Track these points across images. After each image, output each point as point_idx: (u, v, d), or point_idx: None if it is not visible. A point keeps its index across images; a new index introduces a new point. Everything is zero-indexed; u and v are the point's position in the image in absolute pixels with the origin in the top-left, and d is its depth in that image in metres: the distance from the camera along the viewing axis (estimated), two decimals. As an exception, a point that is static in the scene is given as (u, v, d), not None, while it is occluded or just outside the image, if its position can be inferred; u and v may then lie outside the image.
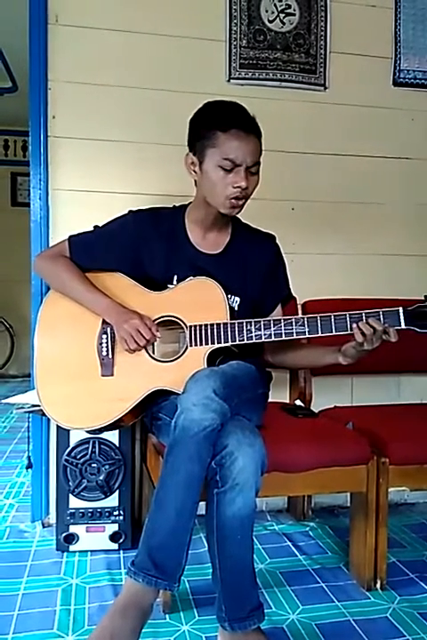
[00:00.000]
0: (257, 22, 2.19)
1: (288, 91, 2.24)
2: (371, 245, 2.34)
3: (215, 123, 1.50)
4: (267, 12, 2.20)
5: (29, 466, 2.11)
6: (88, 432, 1.86)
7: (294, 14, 2.22)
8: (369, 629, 1.52)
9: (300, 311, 2.15)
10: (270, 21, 2.20)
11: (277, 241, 1.75)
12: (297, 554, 1.93)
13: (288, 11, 2.21)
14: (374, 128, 2.32)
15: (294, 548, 1.97)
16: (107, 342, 1.59)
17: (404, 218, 2.37)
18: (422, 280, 2.37)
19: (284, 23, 2.21)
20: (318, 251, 2.29)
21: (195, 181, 1.61)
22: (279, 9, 2.21)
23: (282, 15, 2.21)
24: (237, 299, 1.64)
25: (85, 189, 2.10)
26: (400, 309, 1.47)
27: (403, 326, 1.47)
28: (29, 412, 1.92)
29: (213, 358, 1.53)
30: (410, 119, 2.35)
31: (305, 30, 2.23)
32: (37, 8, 2.02)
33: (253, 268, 1.68)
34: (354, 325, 1.46)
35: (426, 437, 1.78)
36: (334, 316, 1.49)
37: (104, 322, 1.59)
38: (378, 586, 1.71)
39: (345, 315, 1.48)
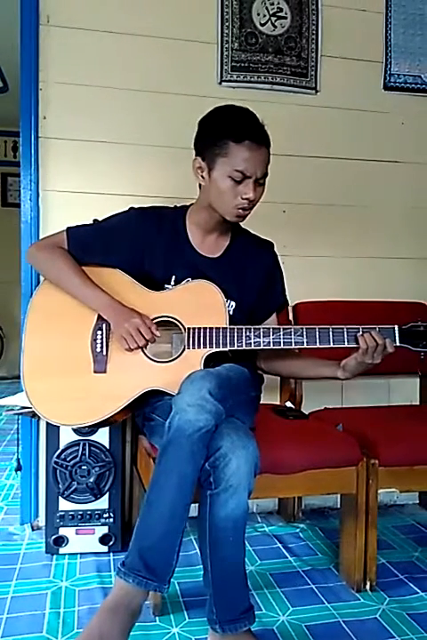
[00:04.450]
0: (249, 25, 2.20)
1: (279, 94, 2.25)
2: (361, 248, 2.35)
3: (228, 132, 1.49)
4: (259, 15, 2.21)
5: (19, 468, 2.09)
6: (76, 432, 1.85)
7: (285, 18, 2.23)
8: (359, 630, 1.52)
9: (291, 313, 2.16)
10: (262, 24, 2.21)
11: (276, 249, 1.75)
12: (287, 555, 1.94)
13: (280, 14, 2.22)
14: (364, 132, 2.34)
15: (284, 550, 1.98)
16: (101, 338, 1.57)
17: (394, 221, 2.39)
18: (412, 283, 2.39)
19: (275, 26, 2.22)
20: (309, 253, 2.29)
21: (199, 185, 1.61)
22: (271, 12, 2.22)
23: (274, 18, 2.22)
24: (233, 304, 1.64)
25: (76, 190, 2.09)
26: (396, 328, 1.52)
27: (398, 343, 1.51)
28: (19, 413, 1.91)
29: (207, 362, 1.53)
30: (400, 123, 2.37)
31: (297, 34, 2.24)
32: (29, 9, 2.02)
33: (250, 275, 1.68)
34: (359, 336, 1.49)
35: (415, 439, 1.79)
36: (333, 328, 1.52)
37: (99, 317, 1.57)
38: (368, 587, 1.72)
39: (343, 328, 1.51)
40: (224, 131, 1.50)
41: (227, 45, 2.18)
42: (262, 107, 2.20)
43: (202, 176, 1.57)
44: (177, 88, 2.12)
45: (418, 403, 2.37)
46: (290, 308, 2.17)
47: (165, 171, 2.11)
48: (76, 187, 2.09)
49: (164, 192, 2.04)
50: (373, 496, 1.70)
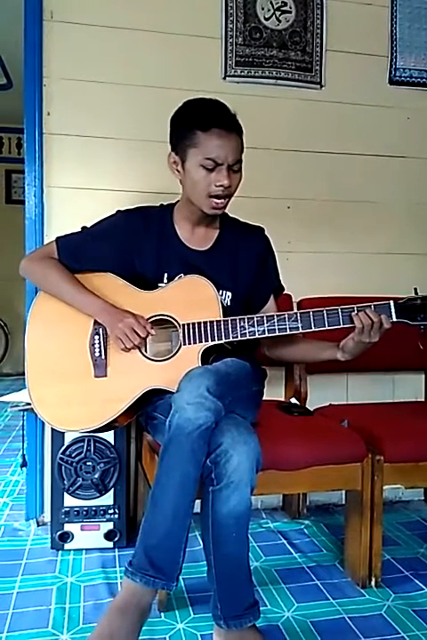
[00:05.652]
0: (253, 20, 2.19)
1: (284, 89, 2.24)
2: (366, 244, 2.34)
3: (195, 122, 1.50)
4: (263, 9, 2.20)
5: (24, 464, 2.10)
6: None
7: (290, 12, 2.22)
8: (364, 627, 1.52)
9: (295, 309, 2.15)
10: (266, 19, 2.20)
11: (267, 233, 1.74)
12: (292, 551, 1.94)
13: (284, 8, 2.21)
14: (369, 126, 2.32)
15: (289, 546, 1.97)
16: (99, 343, 1.58)
17: (399, 216, 2.38)
18: (417, 278, 2.35)
19: (280, 21, 2.21)
20: (313, 249, 2.29)
21: (180, 180, 1.61)
22: (275, 6, 2.20)
23: (278, 13, 2.21)
24: (229, 294, 1.64)
25: (80, 187, 2.09)
26: (391, 303, 1.48)
27: (394, 319, 1.48)
28: (24, 410, 1.91)
29: (206, 356, 1.53)
30: (406, 118, 2.36)
31: (301, 28, 2.23)
32: (32, 4, 2.01)
33: (243, 262, 1.67)
34: (354, 315, 1.46)
35: (421, 435, 1.78)
36: (327, 310, 1.49)
37: (96, 322, 1.58)
38: (373, 583, 1.71)
39: (337, 309, 1.49)
40: (192, 122, 1.51)
41: (231, 40, 2.17)
42: (267, 102, 2.22)
43: (177, 170, 1.58)
44: (181, 84, 2.11)
45: (423, 399, 2.36)
46: (295, 304, 2.16)
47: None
48: (80, 183, 2.09)
49: (168, 188, 2.03)
50: (378, 492, 1.69)
